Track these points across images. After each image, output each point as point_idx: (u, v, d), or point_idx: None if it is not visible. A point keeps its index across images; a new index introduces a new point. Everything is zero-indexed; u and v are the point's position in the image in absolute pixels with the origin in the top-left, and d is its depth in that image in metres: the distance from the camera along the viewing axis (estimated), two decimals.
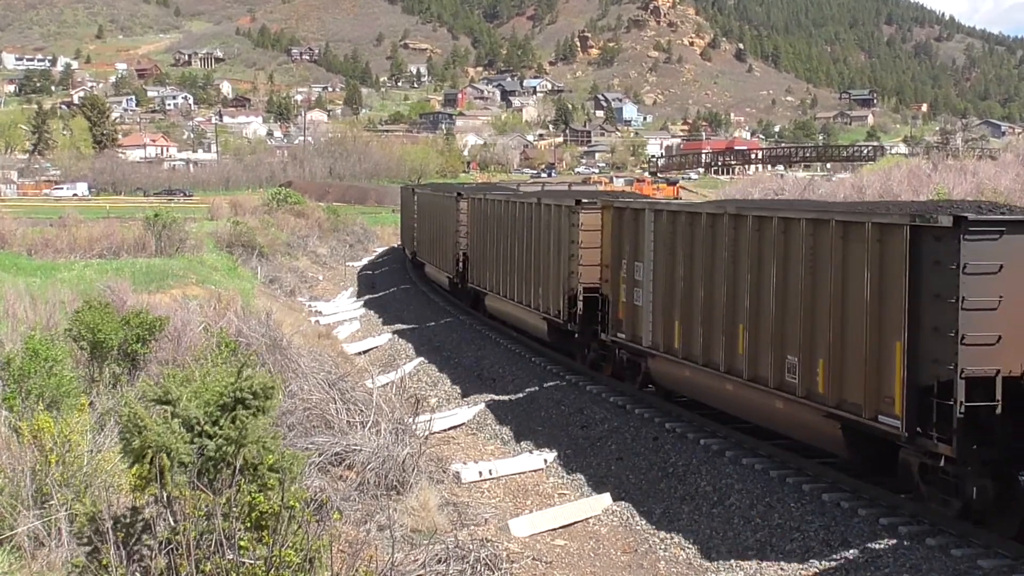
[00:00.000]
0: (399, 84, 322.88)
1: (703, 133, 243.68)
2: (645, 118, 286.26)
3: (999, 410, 12.10)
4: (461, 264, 35.99)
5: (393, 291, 44.00)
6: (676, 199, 38.35)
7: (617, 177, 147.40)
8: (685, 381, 19.06)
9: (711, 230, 17.59)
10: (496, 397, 23.86)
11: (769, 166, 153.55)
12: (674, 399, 20.24)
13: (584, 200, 23.95)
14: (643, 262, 20.32)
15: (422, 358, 29.10)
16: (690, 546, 14.39)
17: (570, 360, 25.08)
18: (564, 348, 25.51)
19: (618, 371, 22.50)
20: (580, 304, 23.38)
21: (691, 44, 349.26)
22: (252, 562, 8.18)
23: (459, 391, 25.12)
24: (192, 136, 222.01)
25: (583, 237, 23.32)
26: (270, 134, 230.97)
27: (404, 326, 35.12)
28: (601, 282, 22.57)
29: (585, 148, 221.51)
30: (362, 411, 17.14)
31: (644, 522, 15.46)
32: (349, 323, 36.34)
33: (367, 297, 44.22)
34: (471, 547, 12.77)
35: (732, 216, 16.97)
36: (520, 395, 23.72)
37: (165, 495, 8.63)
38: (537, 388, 23.86)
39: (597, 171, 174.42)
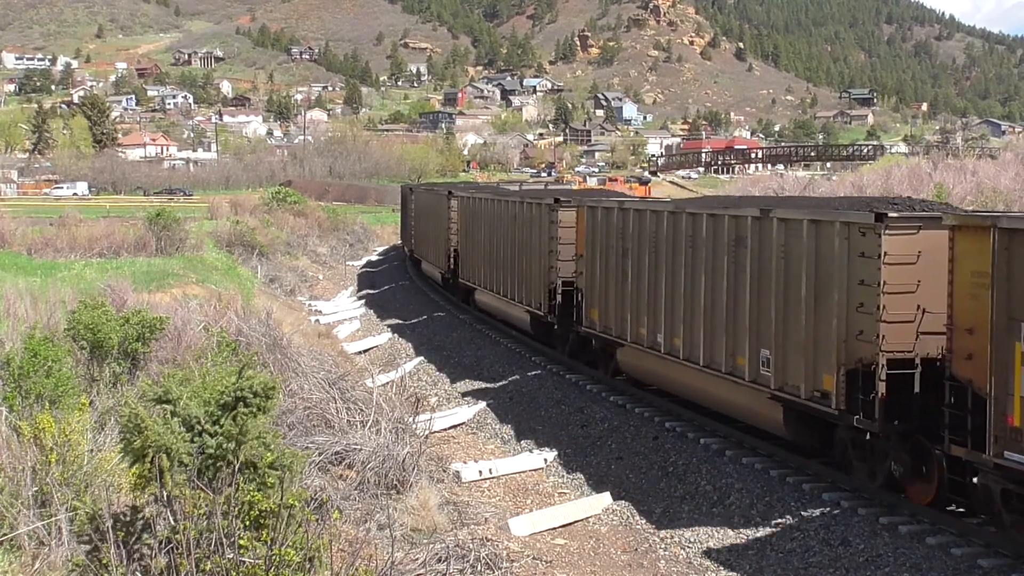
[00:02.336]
0: (399, 83, 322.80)
1: (703, 132, 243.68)
2: (645, 117, 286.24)
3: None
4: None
5: (392, 288, 44.15)
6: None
7: (590, 176, 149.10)
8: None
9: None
10: (496, 396, 23.87)
11: (769, 165, 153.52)
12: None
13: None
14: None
15: (422, 357, 29.10)
16: (690, 545, 14.39)
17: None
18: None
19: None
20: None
21: (691, 43, 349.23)
22: (252, 561, 8.18)
23: (459, 390, 25.13)
24: (192, 135, 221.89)
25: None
26: (270, 133, 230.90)
27: (404, 325, 35.13)
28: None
29: (585, 147, 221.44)
30: (362, 410, 17.14)
31: (644, 521, 15.46)
32: (349, 322, 36.33)
33: (366, 292, 44.23)
34: (471, 546, 12.77)
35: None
36: (520, 394, 23.73)
37: (165, 494, 8.63)
38: (538, 387, 23.87)
39: (598, 169, 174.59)
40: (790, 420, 15.70)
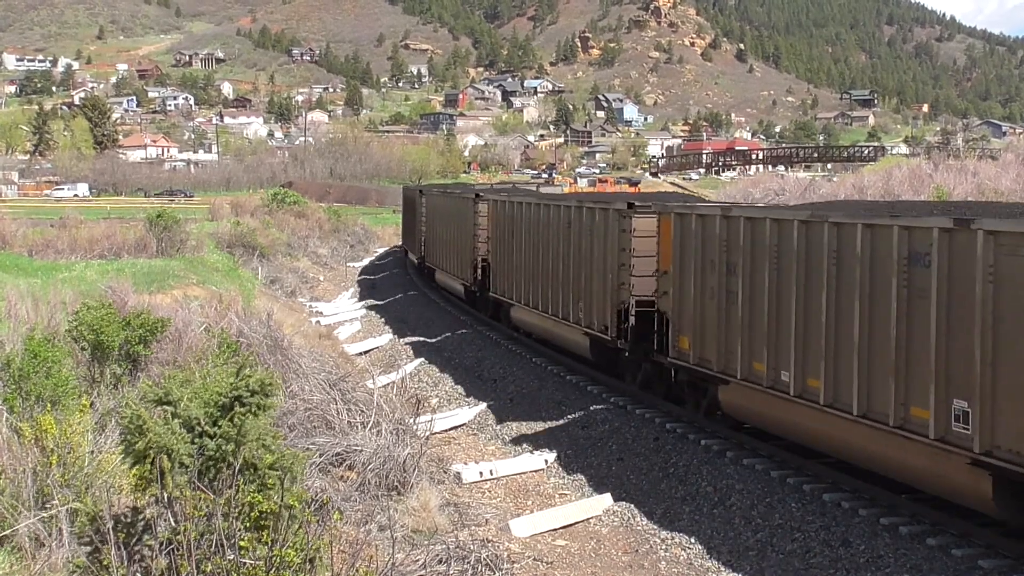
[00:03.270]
0: (400, 85, 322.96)
1: (704, 133, 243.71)
2: (646, 118, 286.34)
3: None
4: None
5: (402, 300, 43.22)
6: None
7: (580, 178, 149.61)
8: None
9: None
10: (497, 397, 23.88)
11: (770, 166, 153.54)
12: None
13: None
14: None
15: (423, 358, 29.11)
16: (691, 546, 14.39)
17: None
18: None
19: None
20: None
21: (692, 44, 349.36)
22: (252, 562, 8.18)
23: (460, 391, 25.13)
24: (193, 137, 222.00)
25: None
26: (271, 135, 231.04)
27: (405, 327, 35.13)
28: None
29: (586, 148, 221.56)
30: (363, 411, 17.14)
31: (645, 522, 15.46)
32: (350, 324, 36.34)
33: (372, 303, 44.22)
34: (472, 547, 12.77)
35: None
36: (521, 395, 23.74)
37: (166, 495, 8.63)
38: (538, 388, 23.88)
39: (597, 171, 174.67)
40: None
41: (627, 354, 21.59)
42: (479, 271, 33.89)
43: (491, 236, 32.10)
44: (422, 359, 29.03)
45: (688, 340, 18.63)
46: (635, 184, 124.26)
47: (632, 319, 20.95)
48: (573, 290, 24.00)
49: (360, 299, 43.75)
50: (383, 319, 37.54)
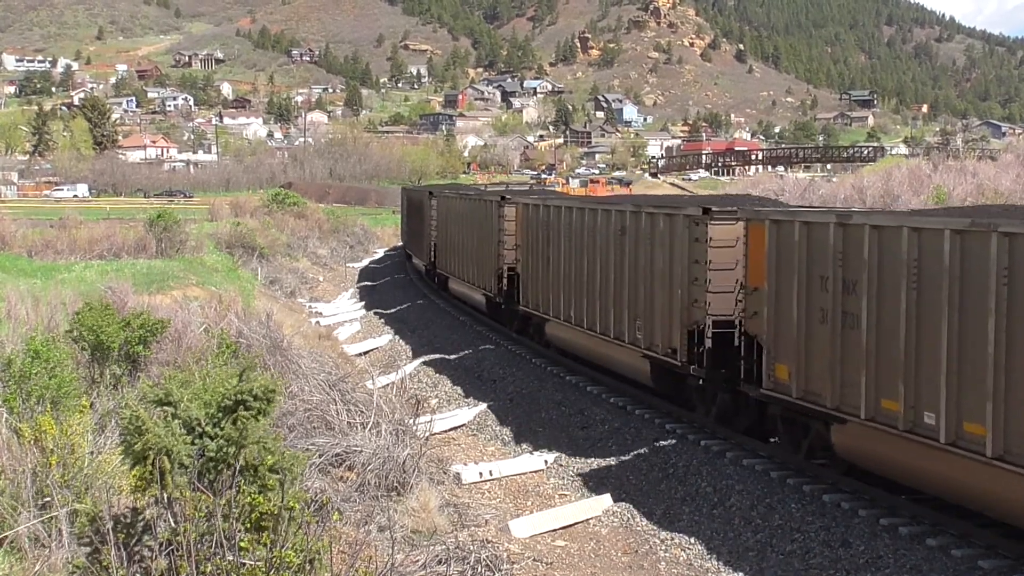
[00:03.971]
0: (399, 85, 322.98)
1: (703, 134, 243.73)
2: (645, 119, 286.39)
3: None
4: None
5: (410, 309, 41.79)
6: None
7: (573, 178, 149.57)
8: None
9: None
10: (497, 398, 23.87)
11: (769, 167, 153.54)
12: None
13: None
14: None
15: (423, 359, 29.09)
16: (691, 547, 14.39)
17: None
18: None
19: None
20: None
21: (691, 45, 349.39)
22: (252, 563, 8.19)
23: (460, 392, 25.12)
24: (192, 137, 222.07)
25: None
26: (270, 135, 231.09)
27: (405, 327, 35.11)
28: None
29: (585, 149, 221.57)
30: (363, 412, 17.14)
31: (645, 523, 15.46)
32: (349, 324, 36.34)
33: (367, 298, 44.22)
34: (471, 548, 12.77)
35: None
36: (521, 396, 23.73)
37: (166, 496, 8.63)
38: (538, 389, 23.88)
39: (597, 171, 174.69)
40: None
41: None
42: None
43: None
44: (422, 359, 29.01)
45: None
46: (627, 184, 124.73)
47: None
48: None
49: (365, 307, 42.14)
50: (383, 321, 37.52)
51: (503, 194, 33.87)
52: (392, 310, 39.51)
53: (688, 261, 18.72)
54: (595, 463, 18.46)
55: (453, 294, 39.00)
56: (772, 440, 17.55)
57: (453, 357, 29.07)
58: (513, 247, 29.90)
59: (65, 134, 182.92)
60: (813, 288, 15.17)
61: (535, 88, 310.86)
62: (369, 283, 50.97)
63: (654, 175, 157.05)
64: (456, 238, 37.80)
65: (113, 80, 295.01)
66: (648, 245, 20.35)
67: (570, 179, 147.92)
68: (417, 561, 11.88)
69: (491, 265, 31.74)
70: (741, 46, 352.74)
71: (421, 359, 29.20)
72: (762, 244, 16.42)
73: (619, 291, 21.61)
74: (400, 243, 65.49)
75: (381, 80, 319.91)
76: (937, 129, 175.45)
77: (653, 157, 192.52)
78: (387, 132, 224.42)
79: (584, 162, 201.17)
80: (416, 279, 49.51)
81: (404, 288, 46.58)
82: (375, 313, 39.09)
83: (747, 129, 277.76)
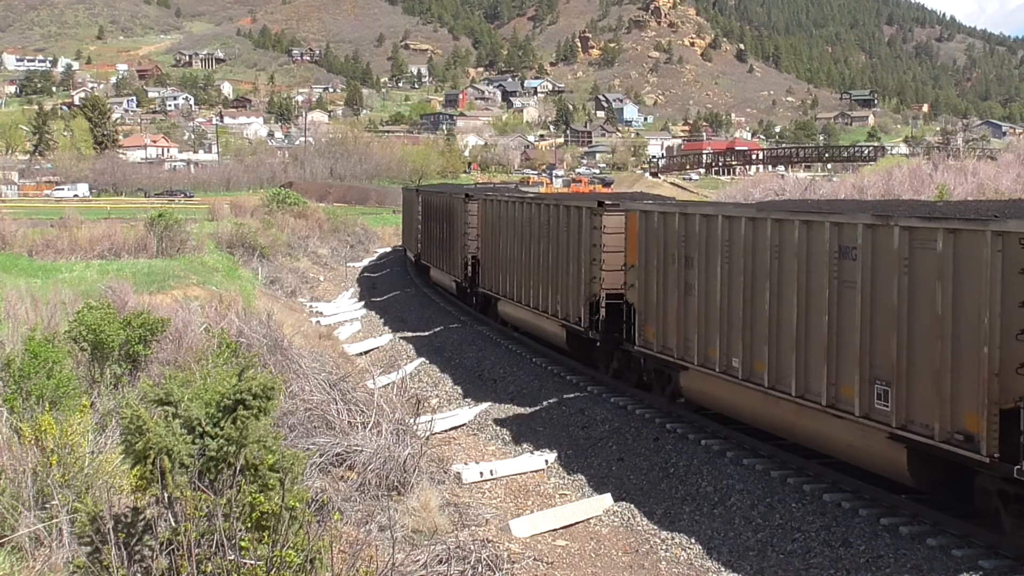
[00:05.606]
0: (400, 85, 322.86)
1: (704, 134, 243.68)
2: (646, 119, 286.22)
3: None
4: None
5: (395, 293, 43.69)
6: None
7: (556, 177, 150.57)
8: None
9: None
10: (497, 398, 23.87)
11: (770, 167, 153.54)
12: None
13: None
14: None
15: (423, 359, 29.10)
16: (691, 546, 14.39)
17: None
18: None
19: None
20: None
21: (692, 45, 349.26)
22: (253, 562, 8.18)
23: (460, 392, 25.13)
24: (193, 137, 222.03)
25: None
26: (271, 135, 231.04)
27: (405, 326, 35.12)
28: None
29: (586, 149, 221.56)
30: (363, 412, 17.14)
31: (645, 522, 15.46)
32: (350, 324, 36.34)
33: (369, 298, 44.22)
34: (472, 547, 12.77)
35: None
36: (521, 396, 23.73)
37: (166, 496, 8.63)
38: (538, 388, 23.88)
39: (598, 171, 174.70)
40: None
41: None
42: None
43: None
44: (422, 359, 29.03)
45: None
46: (608, 184, 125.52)
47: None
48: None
49: (360, 298, 43.82)
50: (382, 319, 37.53)
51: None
52: (391, 310, 39.53)
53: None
54: (596, 463, 18.46)
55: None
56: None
57: (427, 334, 31.99)
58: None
59: (65, 134, 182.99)
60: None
61: (535, 88, 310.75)
62: (369, 282, 50.98)
63: (655, 175, 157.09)
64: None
65: (113, 80, 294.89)
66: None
67: (553, 178, 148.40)
68: (418, 561, 11.88)
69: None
70: (741, 46, 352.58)
71: (399, 334, 31.57)
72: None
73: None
74: (399, 243, 65.63)
75: (381, 80, 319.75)
76: (937, 129, 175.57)
77: (653, 157, 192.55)
78: (387, 132, 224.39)
79: (585, 162, 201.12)
80: (412, 273, 50.62)
81: (400, 283, 46.61)
82: (375, 313, 39.14)
83: (747, 129, 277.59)
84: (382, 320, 37.43)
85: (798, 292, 15.14)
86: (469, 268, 34.91)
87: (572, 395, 22.76)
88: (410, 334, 33.59)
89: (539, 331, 26.95)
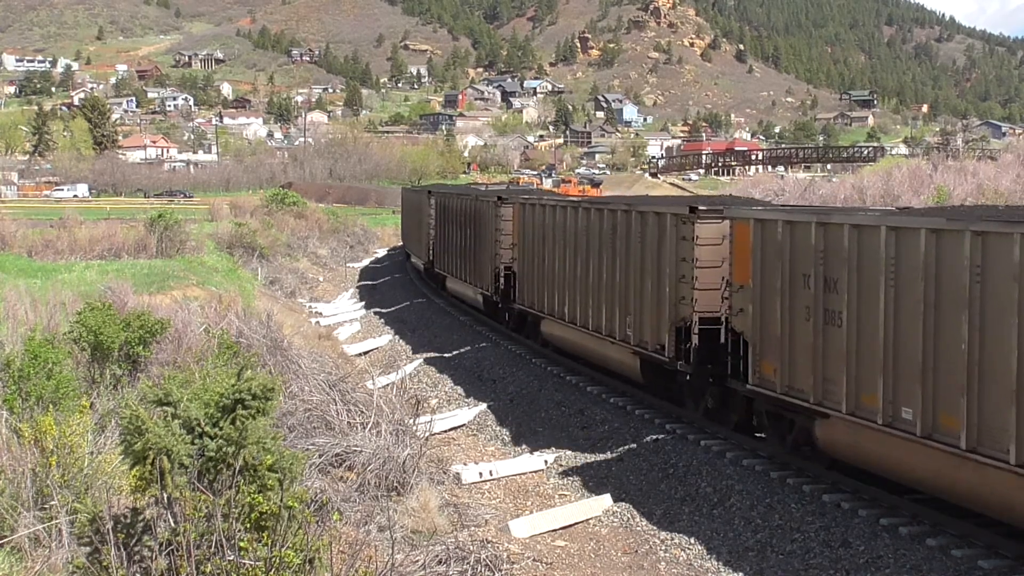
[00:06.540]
0: (399, 85, 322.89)
1: (703, 134, 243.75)
2: (645, 119, 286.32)
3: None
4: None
5: (405, 304, 42.00)
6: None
7: (547, 178, 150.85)
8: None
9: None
10: (497, 398, 23.87)
11: (769, 167, 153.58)
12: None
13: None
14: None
15: (422, 359, 29.09)
16: (691, 547, 14.39)
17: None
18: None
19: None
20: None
21: (691, 45, 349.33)
22: (252, 563, 8.19)
23: (460, 392, 25.13)
24: (192, 137, 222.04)
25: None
26: (270, 135, 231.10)
27: (405, 327, 35.09)
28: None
29: (585, 149, 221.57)
30: (362, 412, 17.14)
31: (645, 523, 15.46)
32: (349, 324, 36.33)
33: (367, 298, 44.20)
34: (471, 548, 12.77)
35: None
36: (521, 396, 23.72)
37: (165, 496, 8.63)
38: (539, 388, 23.87)
39: (597, 171, 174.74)
40: None
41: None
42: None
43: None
44: (422, 359, 29.00)
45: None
46: (596, 185, 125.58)
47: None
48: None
49: (366, 307, 42.03)
50: (383, 321, 37.49)
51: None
52: (391, 309, 39.52)
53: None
54: (595, 463, 18.46)
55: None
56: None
57: (450, 356, 29.21)
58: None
59: (65, 134, 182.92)
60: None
61: (535, 88, 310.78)
62: (369, 282, 50.98)
63: (654, 175, 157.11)
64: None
65: (113, 80, 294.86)
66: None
67: (543, 179, 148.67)
68: (417, 561, 11.88)
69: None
70: (741, 46, 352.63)
71: (421, 357, 29.30)
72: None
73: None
74: (399, 243, 65.61)
75: (381, 80, 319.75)
76: (937, 129, 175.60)
77: (653, 157, 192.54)
78: (387, 132, 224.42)
79: (584, 162, 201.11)
80: (417, 280, 49.58)
81: (408, 291, 46.56)
82: (375, 313, 39.12)
83: (747, 129, 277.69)
84: (382, 320, 37.31)
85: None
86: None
87: (572, 395, 22.74)
88: (409, 332, 33.55)
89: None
